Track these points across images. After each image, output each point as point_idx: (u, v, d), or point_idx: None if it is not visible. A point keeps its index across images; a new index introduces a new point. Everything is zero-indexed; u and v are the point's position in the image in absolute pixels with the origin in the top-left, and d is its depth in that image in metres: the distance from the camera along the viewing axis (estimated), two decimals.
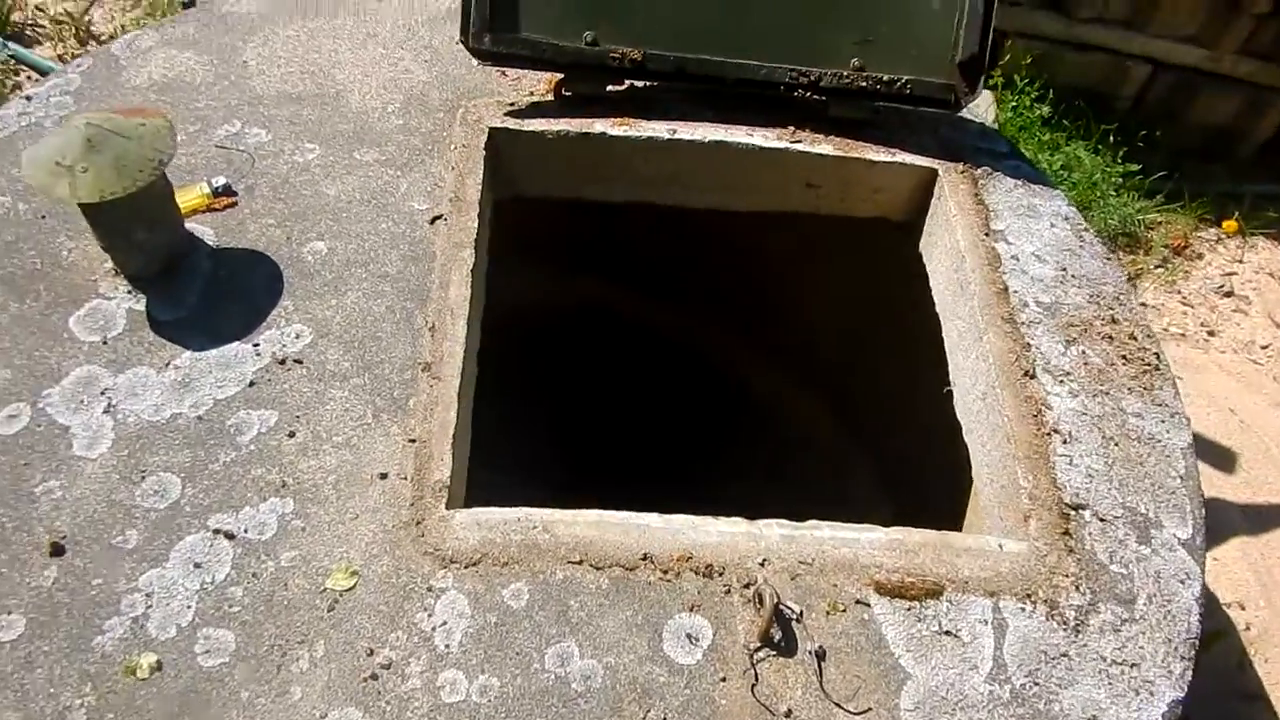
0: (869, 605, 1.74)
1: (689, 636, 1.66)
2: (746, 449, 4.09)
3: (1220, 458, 4.49)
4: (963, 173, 2.52)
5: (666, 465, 3.96)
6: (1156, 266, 4.97)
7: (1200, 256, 5.16)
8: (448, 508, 1.76)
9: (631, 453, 3.95)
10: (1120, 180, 4.96)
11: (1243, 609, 4.15)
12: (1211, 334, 4.87)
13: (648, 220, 3.09)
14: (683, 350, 4.17)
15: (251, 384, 1.90)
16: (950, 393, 2.40)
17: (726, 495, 3.97)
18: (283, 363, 1.94)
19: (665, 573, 1.73)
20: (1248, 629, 4.14)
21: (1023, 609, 1.78)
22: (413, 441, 1.84)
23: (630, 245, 3.91)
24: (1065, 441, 2.02)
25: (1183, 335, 4.80)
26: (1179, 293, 4.95)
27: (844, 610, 1.73)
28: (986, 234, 2.38)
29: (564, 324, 3.98)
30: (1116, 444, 2.05)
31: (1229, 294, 5.00)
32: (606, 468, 3.87)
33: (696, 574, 1.73)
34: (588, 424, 4.02)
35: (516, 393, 3.62)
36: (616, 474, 3.83)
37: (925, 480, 3.20)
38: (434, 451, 1.83)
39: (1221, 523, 4.21)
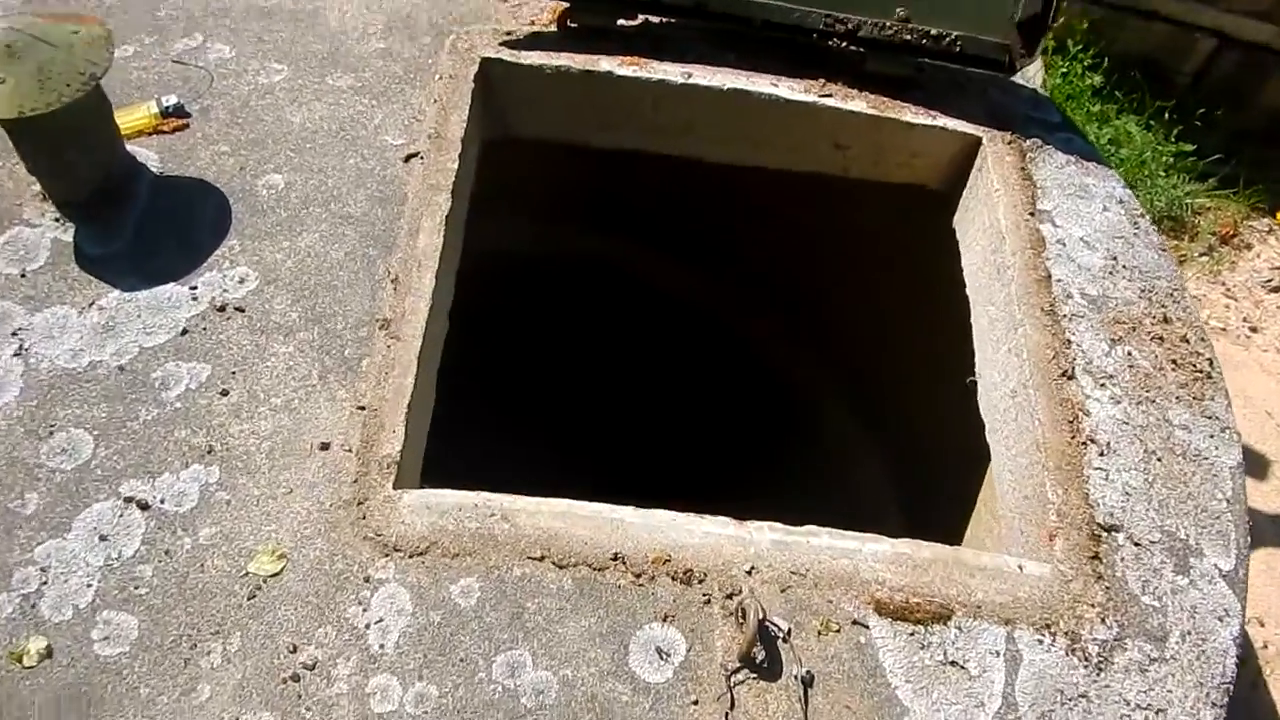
0: (867, 627, 1.57)
1: (659, 651, 1.50)
2: (748, 414, 3.91)
3: (1253, 464, 4.30)
4: (1010, 143, 2.30)
5: (659, 425, 3.80)
6: (1201, 255, 4.74)
7: (1249, 247, 4.92)
8: (395, 487, 1.59)
9: (625, 411, 3.78)
10: (1171, 160, 4.71)
11: (1262, 625, 3.98)
12: (1254, 330, 4.65)
13: (659, 172, 2.88)
14: (689, 310, 3.97)
15: (184, 332, 1.72)
16: (974, 384, 2.21)
17: (720, 461, 3.81)
18: (222, 310, 1.76)
19: (638, 576, 1.56)
20: (1265, 647, 3.98)
21: (1040, 641, 1.61)
22: (362, 409, 1.67)
23: (636, 197, 3.70)
24: (1102, 453, 1.84)
25: (1223, 329, 4.58)
26: (1223, 284, 4.72)
27: (838, 631, 1.56)
28: (1031, 213, 2.18)
29: (559, 276, 3.79)
30: (1159, 459, 1.86)
31: (1277, 289, 4.77)
32: (600, 428, 3.71)
33: (673, 579, 1.56)
34: (580, 379, 3.85)
35: (503, 344, 3.45)
36: (610, 433, 3.68)
37: (934, 465, 3.02)
38: (385, 421, 1.66)
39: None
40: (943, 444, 2.96)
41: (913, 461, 3.24)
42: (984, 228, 2.25)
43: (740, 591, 1.57)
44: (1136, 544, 1.76)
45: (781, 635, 1.54)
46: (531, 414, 3.68)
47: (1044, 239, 2.15)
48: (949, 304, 2.45)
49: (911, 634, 1.58)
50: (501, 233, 3.15)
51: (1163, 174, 4.62)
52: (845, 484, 3.54)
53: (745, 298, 4.00)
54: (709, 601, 1.56)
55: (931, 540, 2.88)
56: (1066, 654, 1.61)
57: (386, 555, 1.53)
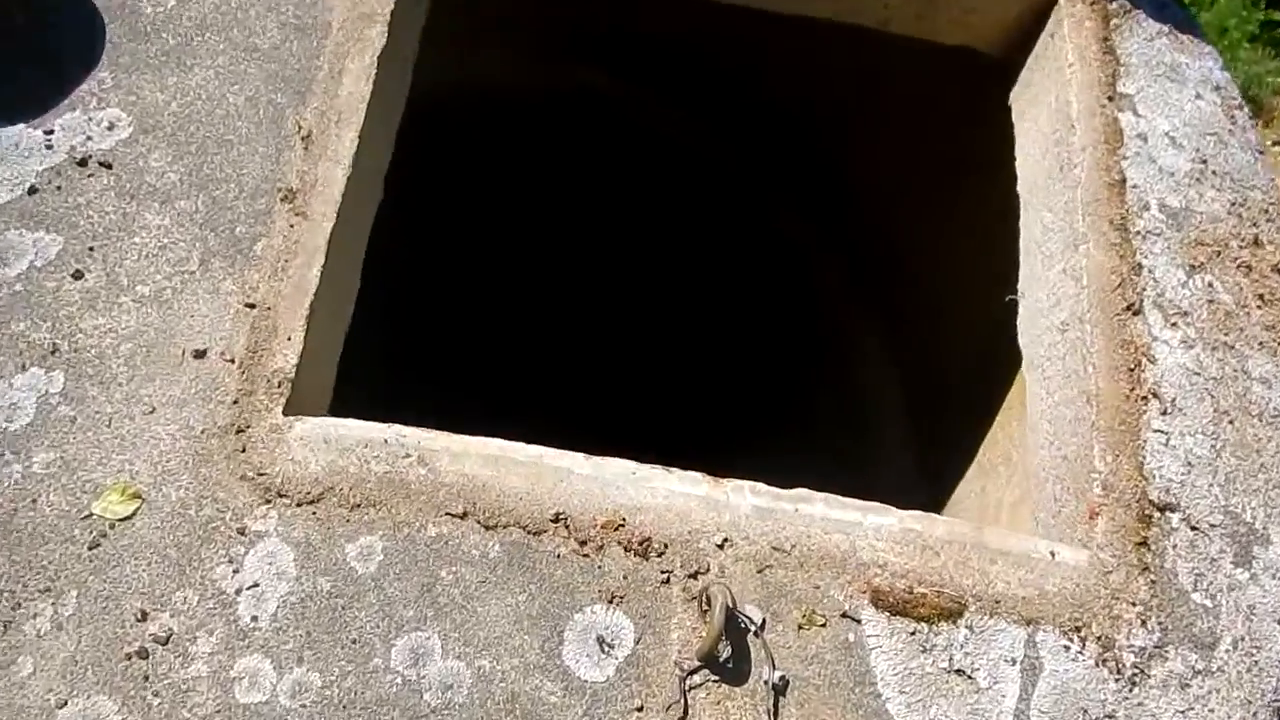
0: (858, 621, 1.31)
1: (601, 641, 1.24)
2: (748, 286, 3.57)
3: None
4: (1093, 4, 1.89)
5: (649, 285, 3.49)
6: (1274, 144, 4.29)
7: None
8: (286, 413, 1.30)
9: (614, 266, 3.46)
10: (1256, 30, 4.19)
11: None
12: None
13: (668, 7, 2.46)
14: (694, 160, 3.56)
15: (32, 191, 1.39)
16: (1014, 303, 1.89)
17: (718, 333, 3.51)
18: (83, 164, 1.42)
19: (583, 544, 1.28)
20: None
21: (1066, 647, 1.36)
22: (251, 307, 1.36)
23: (644, 35, 3.25)
24: (1165, 412, 1.55)
25: None
26: None
27: (823, 625, 1.30)
28: (1110, 97, 1.80)
29: (547, 117, 3.37)
30: (1231, 421, 1.57)
31: None
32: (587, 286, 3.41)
33: (627, 550, 1.29)
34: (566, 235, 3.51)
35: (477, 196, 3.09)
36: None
37: (948, 371, 2.73)
38: (280, 325, 1.35)
39: None
40: (960, 350, 2.65)
41: (924, 363, 2.93)
42: (1049, 110, 1.87)
43: (708, 569, 1.30)
44: (1194, 528, 1.49)
45: (753, 628, 1.28)
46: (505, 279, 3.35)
47: (1122, 132, 1.79)
48: (989, 197, 2.10)
49: (912, 633, 1.32)
50: (474, 64, 2.73)
51: (1246, 45, 4.11)
52: (847, 379, 3.25)
53: (758, 156, 3.60)
54: (668, 581, 1.29)
55: (938, 458, 2.63)
56: (1096, 664, 1.37)
57: (268, 501, 1.25)
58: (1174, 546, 1.48)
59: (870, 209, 3.15)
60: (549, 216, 3.39)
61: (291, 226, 1.42)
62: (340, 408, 1.38)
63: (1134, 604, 1.42)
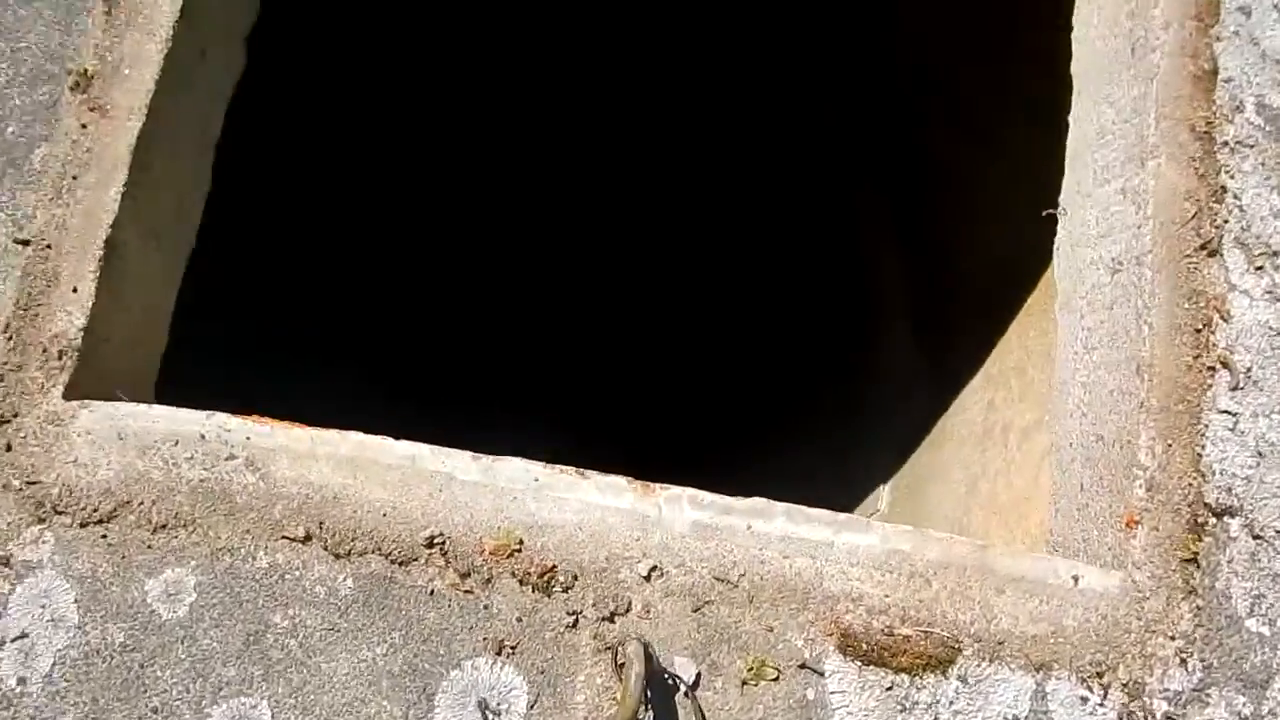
0: (821, 673, 1.10)
1: (484, 706, 1.03)
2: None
3: None
4: None
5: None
6: None
7: None
8: (68, 397, 1.02)
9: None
10: None
11: None
12: None
13: None
14: None
15: None
16: (1054, 218, 1.57)
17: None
18: None
19: (465, 576, 1.05)
20: None
21: (1084, 698, 1.17)
22: (24, 244, 1.06)
23: None
24: (1236, 386, 1.32)
25: None
26: None
27: (775, 679, 1.09)
28: None
29: None
30: None
31: None
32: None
33: (523, 584, 1.06)
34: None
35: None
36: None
37: (959, 277, 2.42)
38: (64, 270, 1.05)
39: None
40: (979, 244, 2.33)
41: (936, 253, 2.60)
42: None
43: (629, 609, 1.06)
44: (1256, 536, 1.27)
45: (684, 688, 1.03)
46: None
47: (1218, 2, 1.41)
48: (1037, 73, 1.75)
49: (888, 688, 1.10)
50: None
51: None
52: (847, 268, 2.92)
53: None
54: (576, 624, 1.05)
55: (944, 360, 2.35)
56: (1120, 717, 1.13)
57: (42, 520, 1.02)
58: (1229, 561, 1.25)
59: (895, 81, 2.73)
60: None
61: (84, 127, 1.12)
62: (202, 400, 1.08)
63: (1173, 638, 1.21)
